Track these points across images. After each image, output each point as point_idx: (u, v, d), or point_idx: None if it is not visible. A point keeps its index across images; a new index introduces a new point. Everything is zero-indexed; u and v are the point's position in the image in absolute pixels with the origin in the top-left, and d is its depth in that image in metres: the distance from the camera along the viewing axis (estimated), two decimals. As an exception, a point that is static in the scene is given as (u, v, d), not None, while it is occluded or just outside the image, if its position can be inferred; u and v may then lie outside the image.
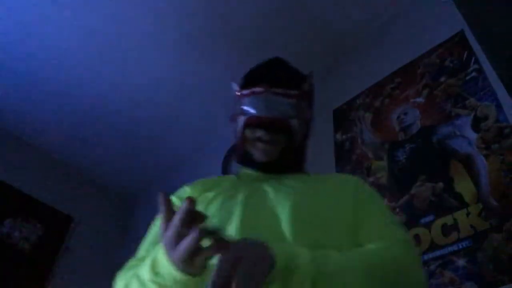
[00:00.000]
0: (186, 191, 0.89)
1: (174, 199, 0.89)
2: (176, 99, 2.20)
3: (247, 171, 0.93)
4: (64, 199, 2.47)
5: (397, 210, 1.27)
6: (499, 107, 1.19)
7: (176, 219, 0.54)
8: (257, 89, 0.91)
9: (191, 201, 0.53)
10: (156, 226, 0.87)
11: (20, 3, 1.78)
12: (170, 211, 0.56)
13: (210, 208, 0.80)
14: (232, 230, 0.71)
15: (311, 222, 0.74)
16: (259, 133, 0.88)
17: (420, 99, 1.45)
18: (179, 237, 0.54)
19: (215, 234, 0.53)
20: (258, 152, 0.88)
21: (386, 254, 0.69)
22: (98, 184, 2.74)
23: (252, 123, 0.89)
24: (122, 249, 2.42)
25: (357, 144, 1.57)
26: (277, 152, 0.88)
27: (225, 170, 0.99)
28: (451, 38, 1.47)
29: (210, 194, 0.84)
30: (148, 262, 0.62)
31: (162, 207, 0.56)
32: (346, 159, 1.57)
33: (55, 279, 2.22)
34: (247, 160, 0.91)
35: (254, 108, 0.90)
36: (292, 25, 1.84)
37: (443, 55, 1.47)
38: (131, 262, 0.78)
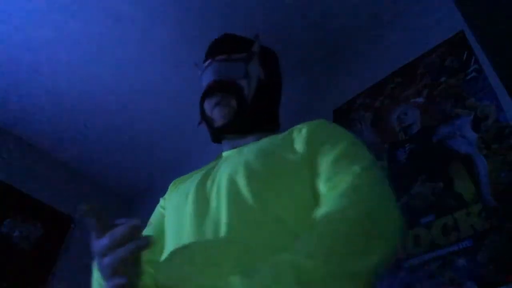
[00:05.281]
0: (168, 188, 0.95)
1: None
2: (177, 99, 2.20)
3: (223, 152, 0.95)
4: (64, 199, 2.46)
5: (397, 210, 1.27)
6: (499, 107, 1.19)
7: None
8: (206, 63, 0.99)
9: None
10: (146, 229, 0.91)
11: (20, 4, 1.78)
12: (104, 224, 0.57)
13: (173, 197, 0.84)
14: (189, 208, 0.73)
15: (255, 178, 0.69)
16: (213, 100, 0.93)
17: (420, 99, 1.45)
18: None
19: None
20: (215, 120, 0.93)
21: (335, 219, 0.57)
22: (98, 184, 2.74)
23: (204, 92, 0.95)
24: (122, 249, 2.42)
25: (357, 144, 1.57)
26: (232, 113, 0.91)
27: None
28: (451, 38, 1.47)
29: (182, 185, 0.88)
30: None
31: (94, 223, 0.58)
32: (346, 159, 1.57)
33: (55, 279, 2.22)
34: (212, 132, 0.96)
35: (206, 80, 0.97)
36: (291, 25, 1.84)
37: (443, 55, 1.47)
38: None
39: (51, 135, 2.41)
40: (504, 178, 1.07)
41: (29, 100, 2.20)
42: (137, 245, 0.53)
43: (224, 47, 0.99)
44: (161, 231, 0.83)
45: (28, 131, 2.38)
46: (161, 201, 0.93)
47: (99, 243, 0.55)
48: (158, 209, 0.92)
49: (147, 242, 0.54)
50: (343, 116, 1.72)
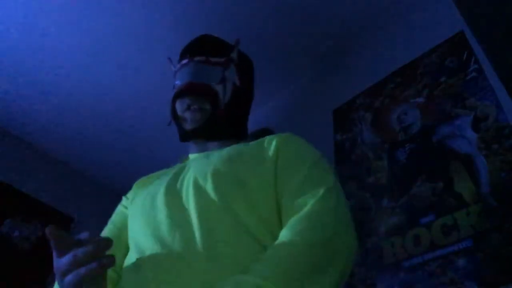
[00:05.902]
0: (132, 188, 0.94)
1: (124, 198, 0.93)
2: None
3: (190, 154, 0.95)
4: (64, 199, 2.47)
5: (397, 210, 1.27)
6: (499, 107, 1.19)
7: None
8: (183, 61, 0.97)
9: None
10: (107, 228, 0.88)
11: (21, 5, 1.78)
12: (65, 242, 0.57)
13: (140, 197, 0.82)
14: (160, 204, 0.73)
15: (220, 182, 0.71)
16: (186, 102, 0.91)
17: (420, 99, 1.45)
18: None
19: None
20: (187, 122, 0.92)
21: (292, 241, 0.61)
22: (98, 184, 2.74)
23: (177, 93, 0.93)
24: (122, 249, 2.41)
25: (357, 144, 1.57)
26: (204, 118, 0.90)
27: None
28: (451, 38, 1.47)
29: (148, 186, 0.86)
30: None
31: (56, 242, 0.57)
32: (346, 159, 1.57)
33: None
34: (181, 134, 0.95)
35: (180, 79, 0.95)
36: (290, 25, 1.84)
37: (443, 55, 1.47)
38: None
39: (51, 135, 2.41)
40: (504, 178, 1.07)
41: (29, 100, 2.20)
42: (99, 264, 0.53)
43: (204, 48, 0.98)
44: (122, 231, 0.82)
45: (28, 131, 2.38)
46: (124, 199, 0.91)
47: (61, 261, 0.55)
48: (120, 208, 0.90)
49: (110, 262, 0.54)
50: (343, 116, 1.72)
